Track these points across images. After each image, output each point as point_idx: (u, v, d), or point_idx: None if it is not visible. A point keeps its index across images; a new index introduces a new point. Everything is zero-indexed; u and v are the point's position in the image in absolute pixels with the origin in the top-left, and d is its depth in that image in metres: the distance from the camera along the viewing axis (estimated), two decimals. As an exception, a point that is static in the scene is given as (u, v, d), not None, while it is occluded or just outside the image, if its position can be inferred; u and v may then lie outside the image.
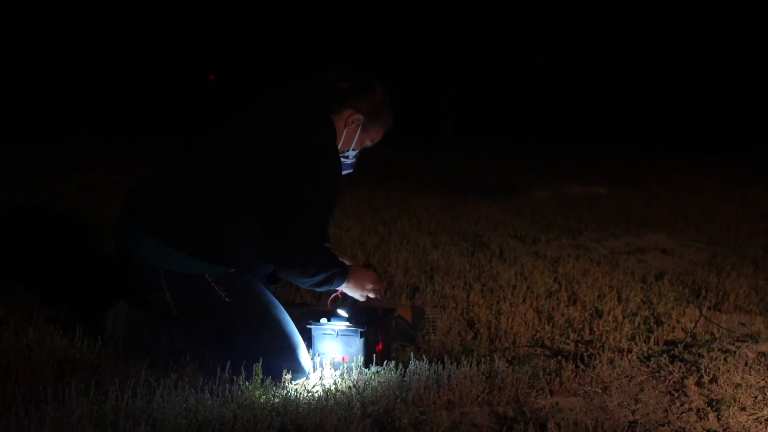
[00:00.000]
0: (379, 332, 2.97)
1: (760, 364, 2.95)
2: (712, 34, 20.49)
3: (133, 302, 2.93)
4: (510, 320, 3.54)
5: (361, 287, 2.94)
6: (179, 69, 22.41)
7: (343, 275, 2.86)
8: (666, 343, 3.37)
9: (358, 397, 2.52)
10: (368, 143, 3.02)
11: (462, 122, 18.23)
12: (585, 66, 21.50)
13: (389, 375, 2.73)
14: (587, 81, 22.02)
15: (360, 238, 5.46)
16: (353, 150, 2.97)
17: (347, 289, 2.91)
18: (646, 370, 3.01)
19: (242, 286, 2.76)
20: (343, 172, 2.90)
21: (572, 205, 7.76)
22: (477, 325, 3.52)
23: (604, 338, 3.39)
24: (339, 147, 2.89)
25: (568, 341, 3.39)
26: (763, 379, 2.82)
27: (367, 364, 2.85)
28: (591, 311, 3.80)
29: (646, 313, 3.78)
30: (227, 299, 2.72)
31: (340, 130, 2.90)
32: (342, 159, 2.89)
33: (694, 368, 2.94)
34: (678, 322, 3.62)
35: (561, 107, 22.19)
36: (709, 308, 3.97)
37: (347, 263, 2.96)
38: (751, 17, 19.76)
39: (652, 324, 3.62)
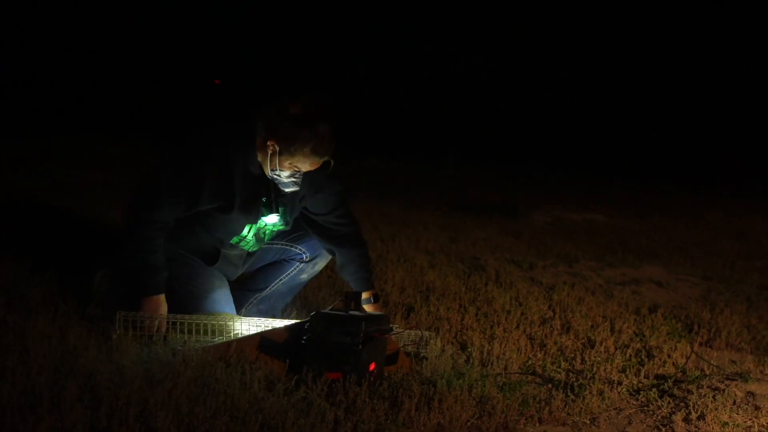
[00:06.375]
0: (372, 351, 2.96)
1: (748, 404, 2.98)
2: (726, 64, 20.51)
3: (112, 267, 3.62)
4: (503, 346, 3.57)
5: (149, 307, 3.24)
6: (183, 70, 22.41)
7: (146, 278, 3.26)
8: (656, 377, 3.40)
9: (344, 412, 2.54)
10: (298, 168, 3.29)
11: (465, 139, 18.26)
12: (593, 91, 21.56)
13: (380, 394, 2.75)
14: (594, 106, 22.07)
15: (357, 254, 5.45)
16: (281, 170, 3.27)
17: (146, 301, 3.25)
18: (635, 403, 3.04)
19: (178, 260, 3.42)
20: (287, 190, 3.34)
21: (570, 231, 7.79)
22: (470, 349, 3.55)
23: (594, 369, 3.41)
24: (268, 167, 3.29)
25: (559, 370, 3.41)
26: (750, 419, 2.85)
27: (359, 382, 2.85)
28: (583, 341, 3.83)
29: (638, 345, 3.81)
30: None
31: (265, 153, 3.28)
32: (275, 176, 3.30)
33: (682, 404, 2.97)
34: (669, 356, 3.65)
35: (565, 131, 22.23)
36: (700, 344, 4.00)
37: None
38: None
39: (643, 357, 3.65)
